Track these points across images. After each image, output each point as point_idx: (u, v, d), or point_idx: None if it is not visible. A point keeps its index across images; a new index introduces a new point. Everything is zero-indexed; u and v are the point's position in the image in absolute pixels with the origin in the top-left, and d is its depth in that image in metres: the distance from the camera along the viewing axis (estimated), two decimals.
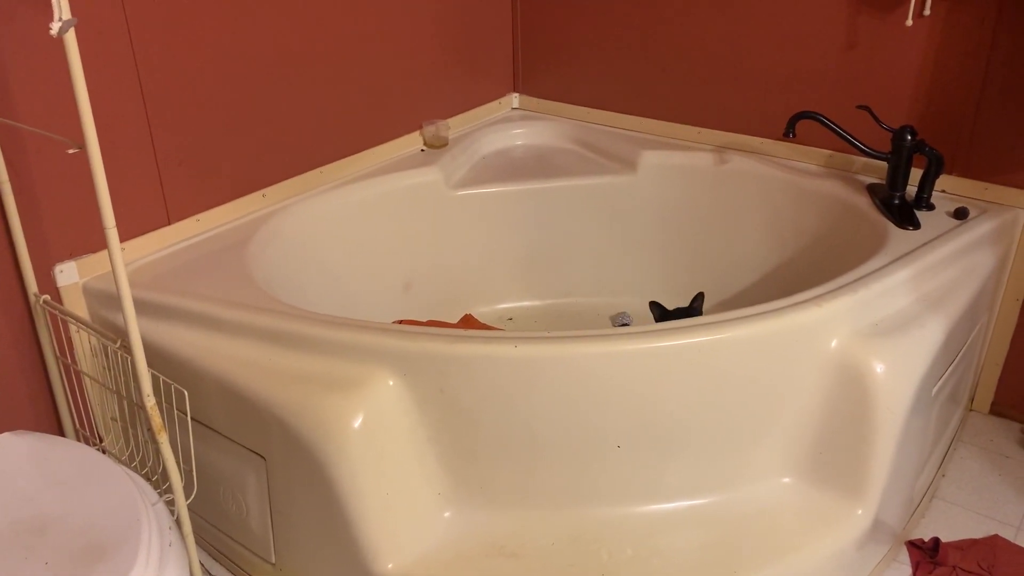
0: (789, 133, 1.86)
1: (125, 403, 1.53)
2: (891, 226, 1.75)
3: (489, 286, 2.24)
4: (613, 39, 2.26)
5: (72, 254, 1.59)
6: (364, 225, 2.02)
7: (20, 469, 1.23)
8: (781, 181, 2.03)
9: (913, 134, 1.78)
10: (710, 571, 1.31)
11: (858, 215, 1.86)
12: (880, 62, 1.89)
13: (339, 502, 1.32)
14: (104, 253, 1.62)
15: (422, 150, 2.22)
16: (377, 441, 1.33)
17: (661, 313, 1.96)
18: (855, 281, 1.50)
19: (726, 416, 1.40)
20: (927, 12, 1.79)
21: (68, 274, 1.59)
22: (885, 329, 1.45)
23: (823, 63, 1.96)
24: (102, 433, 1.68)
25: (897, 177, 1.81)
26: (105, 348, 1.51)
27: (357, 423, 1.31)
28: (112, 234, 1.18)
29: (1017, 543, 1.62)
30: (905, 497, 1.55)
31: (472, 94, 2.38)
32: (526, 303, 2.28)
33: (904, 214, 1.77)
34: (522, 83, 2.50)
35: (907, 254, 1.62)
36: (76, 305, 1.61)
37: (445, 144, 2.24)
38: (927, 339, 1.46)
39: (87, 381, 1.63)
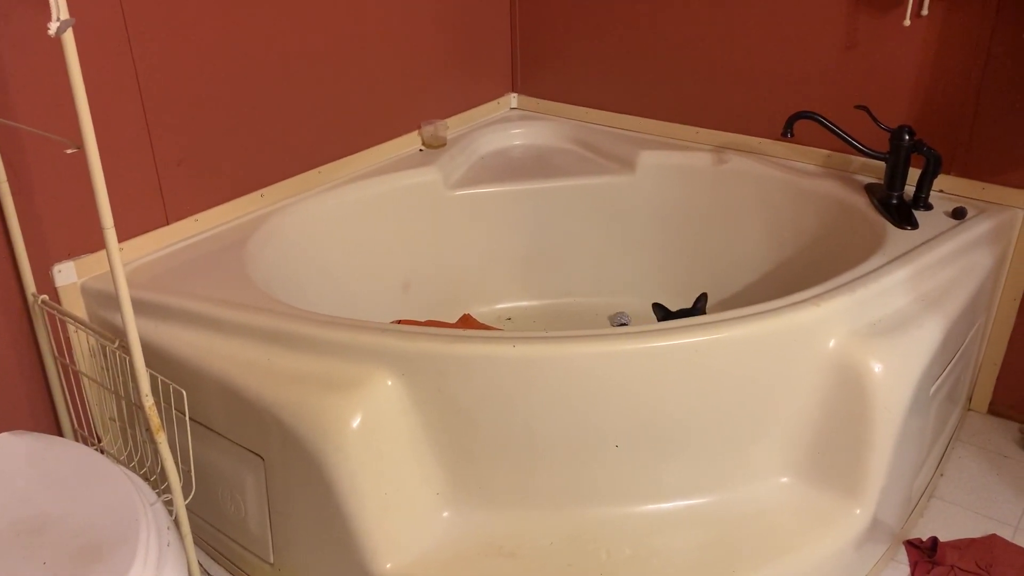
0: (787, 133, 1.86)
1: (123, 403, 1.53)
2: (889, 226, 1.75)
3: (488, 286, 2.24)
4: (611, 39, 2.26)
5: (70, 254, 1.59)
6: (363, 225, 2.02)
7: (18, 469, 1.23)
8: (779, 181, 2.03)
9: (911, 134, 1.78)
10: (708, 571, 1.31)
11: (856, 215, 1.86)
12: (878, 62, 1.89)
13: (337, 502, 1.32)
14: (102, 253, 1.62)
15: (420, 150, 2.22)
16: (375, 441, 1.33)
17: (664, 315, 1.96)
18: (853, 281, 1.50)
19: (724, 416, 1.40)
20: (925, 12, 1.79)
21: (66, 274, 1.58)
22: (883, 329, 1.45)
23: (821, 63, 1.96)
24: (100, 433, 1.68)
25: (895, 177, 1.81)
26: (103, 348, 1.51)
27: (356, 423, 1.31)
28: (110, 234, 1.18)
29: (1015, 542, 1.62)
30: (903, 496, 1.55)
31: (470, 94, 2.38)
32: (524, 303, 2.28)
33: (902, 214, 1.78)
34: (520, 83, 2.50)
35: (905, 254, 1.62)
36: (74, 305, 1.61)
37: (443, 144, 2.24)
38: (925, 339, 1.47)
39: (85, 381, 1.63)
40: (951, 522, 1.68)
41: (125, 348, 1.28)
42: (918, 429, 1.51)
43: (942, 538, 1.62)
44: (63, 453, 1.27)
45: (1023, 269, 1.82)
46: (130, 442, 1.60)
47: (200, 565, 1.61)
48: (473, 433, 1.38)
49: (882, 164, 1.88)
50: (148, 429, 1.30)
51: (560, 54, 2.38)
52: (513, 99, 2.52)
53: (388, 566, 1.31)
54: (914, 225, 1.74)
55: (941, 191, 1.89)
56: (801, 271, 2.01)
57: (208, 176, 1.78)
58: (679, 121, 2.23)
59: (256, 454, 1.44)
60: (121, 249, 1.61)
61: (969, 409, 2.01)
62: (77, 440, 1.65)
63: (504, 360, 1.33)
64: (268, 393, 1.37)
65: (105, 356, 1.53)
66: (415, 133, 2.23)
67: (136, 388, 1.29)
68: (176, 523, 1.29)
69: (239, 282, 1.61)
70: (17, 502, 1.17)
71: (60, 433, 1.64)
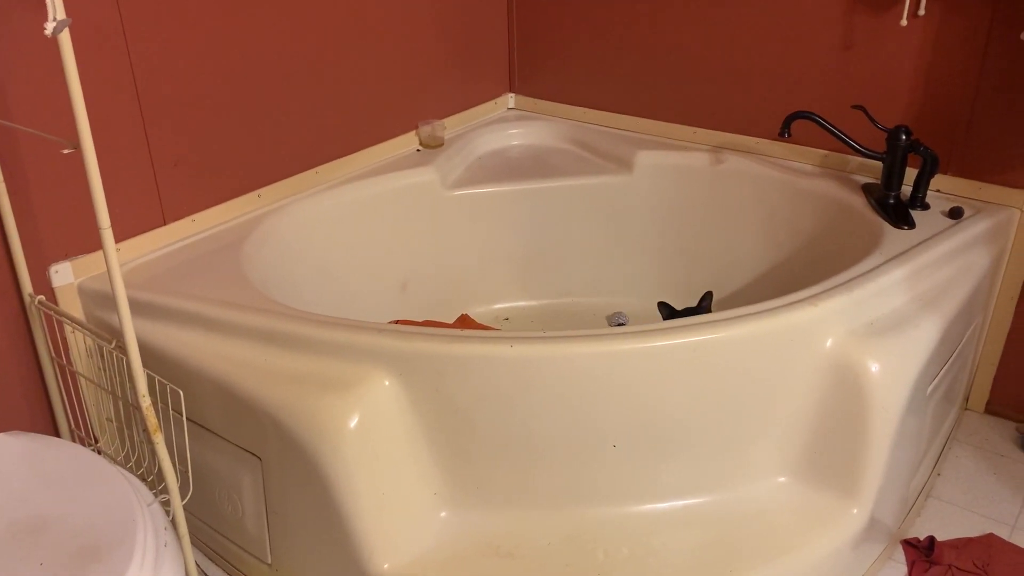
0: (784, 133, 1.86)
1: (120, 404, 1.53)
2: (886, 226, 1.75)
3: (485, 286, 2.24)
4: (609, 39, 2.27)
5: (67, 254, 1.59)
6: (360, 225, 2.02)
7: (15, 470, 1.23)
8: (777, 181, 2.03)
9: (908, 134, 1.78)
10: (706, 570, 1.31)
11: (853, 215, 1.86)
12: (875, 62, 1.89)
13: (335, 502, 1.32)
14: (99, 253, 1.62)
15: (418, 150, 2.22)
16: (373, 441, 1.33)
17: (669, 313, 1.96)
18: (850, 280, 1.51)
19: (722, 415, 1.40)
20: (922, 12, 1.79)
21: (63, 274, 1.58)
22: (880, 328, 1.46)
23: (818, 63, 1.97)
24: (97, 434, 1.68)
25: (892, 177, 1.81)
26: (100, 348, 1.51)
27: (353, 423, 1.31)
28: (107, 234, 1.18)
29: (1012, 541, 1.62)
30: (900, 496, 1.55)
31: (468, 94, 2.38)
32: (522, 303, 2.28)
33: (899, 214, 1.78)
34: (518, 83, 2.50)
35: (902, 253, 1.62)
36: (71, 306, 1.60)
37: (441, 144, 2.24)
38: (922, 338, 1.47)
39: (82, 382, 1.63)
40: (948, 521, 1.68)
41: (122, 348, 1.28)
42: (915, 428, 1.51)
43: (939, 537, 1.62)
44: (60, 454, 1.26)
45: (1020, 268, 1.83)
46: (127, 442, 1.60)
47: (197, 565, 1.61)
48: (471, 433, 1.37)
49: (879, 164, 1.89)
50: (145, 429, 1.30)
51: (557, 54, 2.38)
52: (510, 99, 2.52)
53: (385, 566, 1.31)
54: (911, 225, 1.74)
55: (938, 191, 1.89)
56: (798, 271, 2.01)
57: (205, 176, 1.78)
58: (676, 121, 2.23)
59: (253, 454, 1.44)
60: (118, 249, 1.61)
61: (966, 408, 2.01)
62: (74, 441, 1.64)
63: (502, 360, 1.33)
64: (265, 393, 1.37)
65: (102, 356, 1.53)
66: (412, 133, 2.23)
67: (133, 388, 1.29)
68: (173, 523, 1.29)
69: (236, 282, 1.60)
70: (14, 503, 1.17)
71: (57, 434, 1.64)
